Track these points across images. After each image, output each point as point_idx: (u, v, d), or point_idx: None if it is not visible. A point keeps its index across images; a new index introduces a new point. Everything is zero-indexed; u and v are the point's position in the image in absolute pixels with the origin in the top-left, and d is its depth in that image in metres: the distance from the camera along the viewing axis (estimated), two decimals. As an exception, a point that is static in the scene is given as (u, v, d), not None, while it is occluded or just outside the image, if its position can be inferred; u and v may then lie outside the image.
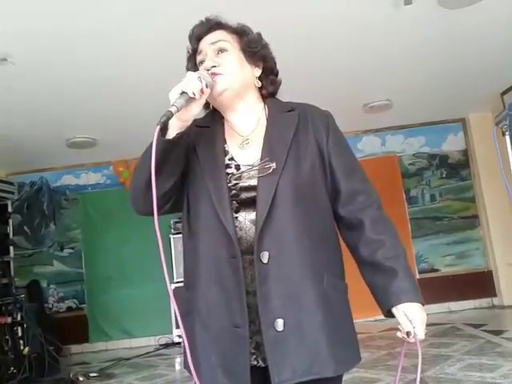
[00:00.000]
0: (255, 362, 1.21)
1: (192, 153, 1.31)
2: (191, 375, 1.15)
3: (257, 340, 1.19)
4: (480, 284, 6.09)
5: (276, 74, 1.43)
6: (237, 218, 1.22)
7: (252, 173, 1.25)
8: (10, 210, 4.88)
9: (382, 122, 6.19)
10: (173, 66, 2.82)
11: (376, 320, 5.36)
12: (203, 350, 1.22)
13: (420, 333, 1.19)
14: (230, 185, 1.25)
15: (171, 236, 5.71)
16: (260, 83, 1.38)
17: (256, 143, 1.29)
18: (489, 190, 6.11)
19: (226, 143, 1.33)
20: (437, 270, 6.22)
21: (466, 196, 6.37)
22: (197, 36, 1.37)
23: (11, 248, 4.82)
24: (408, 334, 1.20)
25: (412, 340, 1.20)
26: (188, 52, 1.41)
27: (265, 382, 1.19)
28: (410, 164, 6.46)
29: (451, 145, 6.45)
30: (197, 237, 1.27)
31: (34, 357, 4.47)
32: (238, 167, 1.28)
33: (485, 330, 4.70)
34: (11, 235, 4.87)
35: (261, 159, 1.25)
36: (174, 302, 1.13)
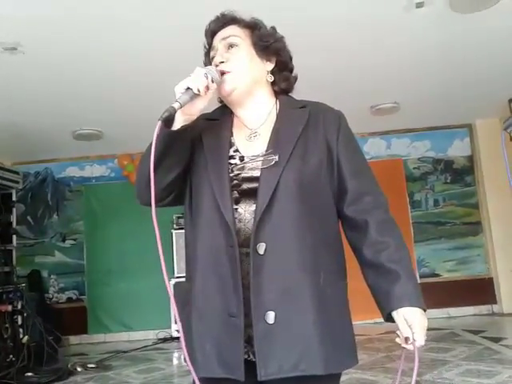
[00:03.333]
0: (246, 356, 1.19)
1: (198, 145, 1.32)
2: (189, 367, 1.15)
3: (249, 333, 1.17)
4: (480, 291, 6.09)
5: (290, 70, 1.41)
6: (237, 209, 1.22)
7: (255, 164, 1.25)
8: (14, 198, 4.88)
9: (388, 125, 6.18)
10: (180, 61, 2.82)
11: (375, 322, 5.36)
12: (199, 339, 1.21)
13: (419, 339, 1.16)
14: (231, 175, 1.25)
15: (173, 231, 5.72)
16: (272, 78, 1.37)
17: (263, 136, 1.29)
18: (492, 197, 6.11)
19: (232, 135, 1.33)
20: (438, 275, 6.22)
21: (470, 202, 6.36)
22: (211, 31, 1.37)
23: (14, 237, 4.83)
24: (406, 339, 1.16)
25: (410, 347, 1.16)
26: (205, 47, 1.41)
27: (256, 376, 1.17)
28: (414, 168, 6.45)
29: (457, 150, 6.44)
30: (197, 227, 1.26)
31: (33, 346, 4.47)
32: (242, 158, 1.28)
33: (484, 337, 4.70)
34: (14, 224, 4.87)
35: (266, 151, 1.25)
36: (172, 295, 1.13)
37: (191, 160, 1.31)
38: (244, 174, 1.25)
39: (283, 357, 1.14)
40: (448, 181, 6.42)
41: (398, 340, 1.20)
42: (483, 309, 6.07)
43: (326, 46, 3.78)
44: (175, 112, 1.15)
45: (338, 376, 1.26)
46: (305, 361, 1.14)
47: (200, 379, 1.19)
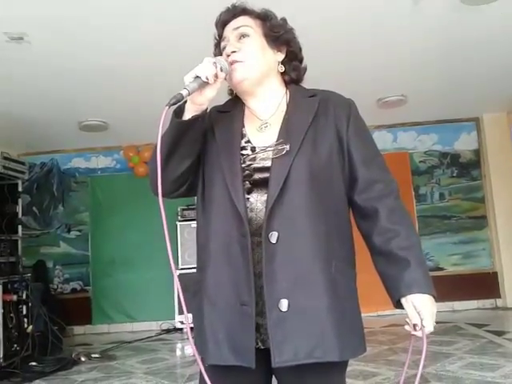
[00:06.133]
0: (255, 344, 1.19)
1: (211, 136, 1.34)
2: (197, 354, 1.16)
3: (258, 321, 1.19)
4: (485, 285, 6.08)
5: (300, 61, 1.42)
6: (248, 199, 1.23)
7: (266, 154, 1.26)
8: (20, 189, 4.89)
9: (395, 118, 6.15)
10: (186, 53, 2.82)
11: (379, 315, 5.37)
12: (210, 328, 1.23)
13: (428, 325, 1.16)
14: (243, 166, 1.26)
15: (178, 223, 5.74)
16: (283, 68, 1.38)
17: (274, 126, 1.30)
18: (498, 192, 6.09)
19: (244, 127, 1.34)
20: (442, 269, 6.20)
21: (476, 196, 6.34)
22: (222, 22, 1.38)
23: (20, 227, 4.84)
24: (415, 326, 1.16)
25: (418, 333, 1.16)
26: (215, 38, 1.42)
27: (264, 364, 1.19)
28: (420, 161, 6.42)
29: (463, 144, 6.41)
30: (209, 218, 1.28)
31: (38, 335, 4.51)
32: (253, 149, 1.29)
33: (487, 331, 4.70)
34: (20, 215, 4.89)
35: (277, 141, 1.26)
36: (178, 284, 1.14)
37: (203, 151, 1.33)
38: (255, 165, 1.26)
39: (298, 344, 1.15)
40: (454, 174, 6.39)
41: (406, 327, 1.20)
42: (487, 303, 6.07)
43: (332, 39, 3.75)
44: (183, 98, 1.16)
45: (347, 363, 1.28)
46: (320, 347, 1.15)
47: (210, 367, 1.21)
